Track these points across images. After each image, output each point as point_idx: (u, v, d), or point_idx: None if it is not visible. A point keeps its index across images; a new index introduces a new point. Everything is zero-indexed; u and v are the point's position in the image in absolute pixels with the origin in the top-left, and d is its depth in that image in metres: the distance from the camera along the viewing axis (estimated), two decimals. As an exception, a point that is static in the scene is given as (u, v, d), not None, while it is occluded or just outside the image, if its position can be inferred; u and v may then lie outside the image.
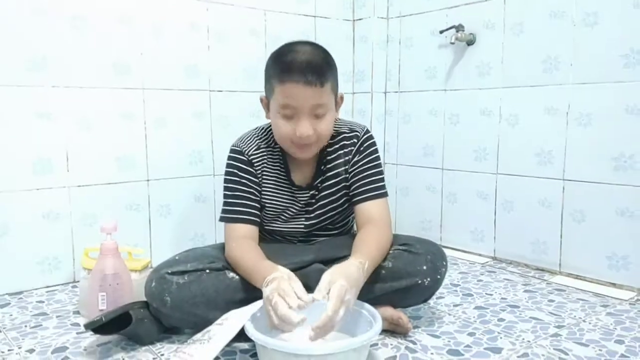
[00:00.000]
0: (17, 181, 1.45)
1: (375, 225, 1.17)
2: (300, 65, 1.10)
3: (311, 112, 1.13)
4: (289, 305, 0.92)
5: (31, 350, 1.11)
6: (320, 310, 0.94)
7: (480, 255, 1.81)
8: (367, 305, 1.07)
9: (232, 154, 1.24)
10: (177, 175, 1.71)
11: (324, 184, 1.25)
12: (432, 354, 1.09)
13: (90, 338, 1.16)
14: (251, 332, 0.95)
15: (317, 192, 1.25)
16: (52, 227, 1.51)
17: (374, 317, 1.02)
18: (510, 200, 1.72)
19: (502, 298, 1.41)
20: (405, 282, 1.15)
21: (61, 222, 1.52)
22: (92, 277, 1.23)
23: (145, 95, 1.63)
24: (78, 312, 1.32)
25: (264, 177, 1.24)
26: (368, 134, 1.26)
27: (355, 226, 1.30)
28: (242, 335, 0.97)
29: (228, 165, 1.24)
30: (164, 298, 1.08)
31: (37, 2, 1.43)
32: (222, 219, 1.22)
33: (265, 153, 1.24)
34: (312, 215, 1.27)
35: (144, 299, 1.14)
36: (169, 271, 1.10)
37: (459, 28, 1.77)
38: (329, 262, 1.15)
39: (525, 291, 1.47)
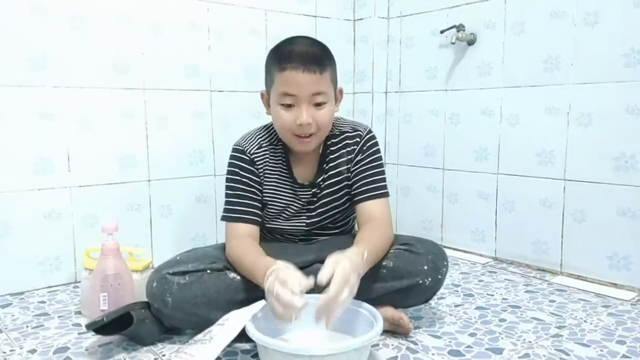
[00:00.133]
0: (19, 181, 1.45)
1: (377, 223, 1.17)
2: (300, 53, 1.13)
3: (311, 101, 1.14)
4: (291, 292, 0.93)
5: (33, 351, 1.11)
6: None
7: (481, 255, 1.81)
8: (368, 305, 1.07)
9: (234, 153, 1.25)
10: (178, 175, 1.71)
11: (326, 182, 1.25)
12: (433, 354, 1.09)
13: (92, 338, 1.16)
14: (252, 332, 0.95)
15: (319, 191, 1.25)
16: (53, 227, 1.51)
17: (375, 317, 1.02)
18: (511, 200, 1.72)
19: (503, 298, 1.41)
20: (406, 281, 1.15)
21: (62, 222, 1.52)
22: (94, 277, 1.23)
23: (146, 95, 1.63)
24: (79, 313, 1.32)
25: (266, 175, 1.24)
26: (371, 134, 1.27)
27: (356, 226, 1.30)
28: (243, 336, 0.97)
29: (230, 165, 1.24)
30: (165, 298, 1.08)
31: (38, 1, 1.43)
32: (223, 218, 1.22)
33: (267, 151, 1.24)
34: (313, 213, 1.27)
35: (145, 299, 1.14)
36: (170, 271, 1.10)
37: (459, 28, 1.77)
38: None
39: (527, 291, 1.47)
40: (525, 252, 1.70)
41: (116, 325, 1.09)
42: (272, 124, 1.26)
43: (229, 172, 1.24)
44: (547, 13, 1.58)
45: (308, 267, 1.20)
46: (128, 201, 1.63)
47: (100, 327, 1.08)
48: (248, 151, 1.23)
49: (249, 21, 1.81)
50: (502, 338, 1.16)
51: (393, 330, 1.17)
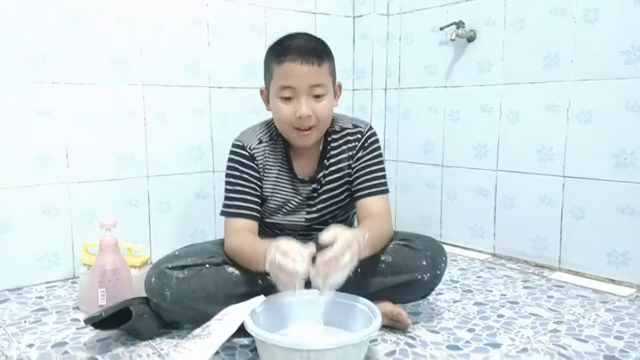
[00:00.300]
0: (17, 177, 1.45)
1: (376, 218, 1.18)
2: (298, 47, 1.14)
3: (310, 93, 1.14)
4: (292, 260, 0.94)
5: (31, 345, 1.11)
6: (318, 306, 0.94)
7: (480, 251, 1.81)
8: (366, 300, 1.07)
9: (233, 149, 1.25)
10: (177, 171, 1.71)
11: (327, 178, 1.25)
12: (431, 349, 1.09)
13: (90, 333, 1.16)
14: (251, 327, 0.95)
15: (319, 186, 1.25)
16: (52, 223, 1.51)
17: (374, 312, 1.02)
18: (510, 197, 1.72)
19: (501, 294, 1.41)
20: (405, 277, 1.15)
21: (61, 218, 1.52)
22: (92, 273, 1.23)
23: (145, 91, 1.63)
24: (78, 308, 1.32)
25: (266, 170, 1.24)
26: (372, 131, 1.27)
27: (356, 222, 1.30)
28: (241, 331, 0.97)
29: (229, 160, 1.24)
30: (164, 293, 1.08)
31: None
32: (222, 213, 1.22)
33: (267, 146, 1.24)
34: (313, 209, 1.27)
35: (144, 295, 1.14)
36: (169, 266, 1.10)
37: (459, 24, 1.76)
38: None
39: (525, 287, 1.47)
40: (524, 249, 1.70)
41: (115, 320, 1.09)
42: (271, 120, 1.26)
43: (228, 168, 1.24)
44: (547, 10, 1.58)
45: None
46: (127, 197, 1.63)
47: (99, 322, 1.08)
48: (248, 147, 1.23)
49: (248, 18, 1.80)
50: (500, 333, 1.16)
51: (391, 325, 1.17)
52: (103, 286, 1.21)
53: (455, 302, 1.36)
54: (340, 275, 0.95)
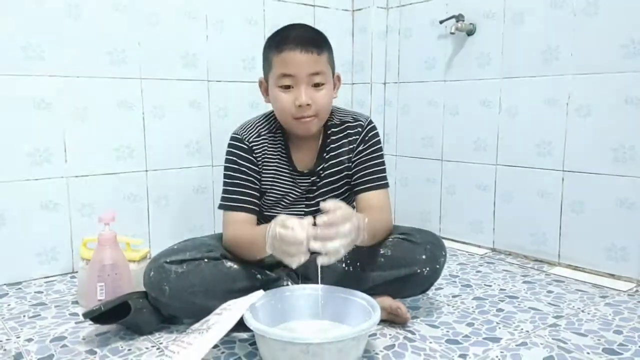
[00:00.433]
0: (15, 171, 1.45)
1: (376, 210, 1.18)
2: (297, 36, 1.14)
3: (309, 82, 1.14)
4: (292, 229, 0.94)
5: (30, 340, 1.10)
6: (317, 301, 0.94)
7: (479, 246, 1.81)
8: (365, 295, 1.07)
9: (232, 142, 1.24)
10: (175, 165, 1.71)
11: (326, 171, 1.25)
12: (430, 343, 1.09)
13: (89, 328, 1.16)
14: (250, 321, 0.95)
15: (318, 179, 1.25)
16: (50, 217, 1.50)
17: (373, 307, 1.02)
18: (509, 191, 1.72)
19: (501, 289, 1.41)
20: (404, 270, 1.15)
21: (59, 212, 1.52)
22: (91, 267, 1.23)
23: (143, 85, 1.62)
24: (77, 303, 1.32)
25: (265, 163, 1.23)
26: (372, 124, 1.27)
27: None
28: (241, 325, 0.96)
29: (228, 153, 1.24)
30: (163, 287, 1.08)
31: (34, -10, 1.42)
32: (220, 207, 1.22)
33: (266, 139, 1.24)
34: (312, 202, 1.26)
35: (143, 289, 1.14)
36: (168, 260, 1.10)
37: (459, 18, 1.75)
38: (328, 252, 1.16)
39: (524, 282, 1.47)
40: (523, 243, 1.70)
41: (114, 314, 1.09)
42: (271, 113, 1.26)
43: (227, 161, 1.24)
44: (547, 3, 1.57)
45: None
46: (125, 191, 1.62)
47: (98, 316, 1.08)
48: (246, 139, 1.22)
49: (247, 10, 1.79)
50: (499, 328, 1.16)
51: (391, 320, 1.17)
52: (102, 281, 1.21)
53: (454, 296, 1.36)
54: (339, 245, 0.94)
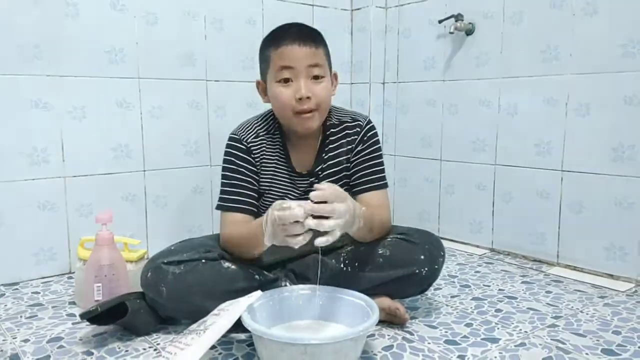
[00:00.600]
0: (13, 171, 1.44)
1: (376, 208, 1.17)
2: (294, 31, 1.16)
3: (309, 74, 1.15)
4: (289, 208, 0.95)
5: (26, 340, 1.10)
6: (315, 301, 0.93)
7: (478, 246, 1.81)
8: (364, 295, 1.07)
9: (230, 142, 1.23)
10: (173, 165, 1.70)
11: (325, 172, 1.24)
12: (429, 343, 1.08)
13: (86, 328, 1.15)
14: (248, 322, 0.95)
15: (317, 180, 1.25)
16: (47, 217, 1.50)
17: (371, 307, 1.02)
18: (508, 191, 1.72)
19: (499, 289, 1.41)
20: (402, 271, 1.14)
21: (57, 212, 1.51)
22: (88, 267, 1.22)
23: (141, 85, 1.61)
24: (74, 303, 1.31)
25: (263, 163, 1.23)
26: (371, 124, 1.26)
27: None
28: (239, 326, 0.96)
29: (226, 154, 1.23)
30: (160, 288, 1.07)
31: (31, -11, 1.42)
32: (218, 207, 1.21)
33: (264, 139, 1.23)
34: (311, 202, 1.26)
35: (140, 290, 1.13)
36: (165, 261, 1.09)
37: (458, 17, 1.75)
38: (327, 252, 1.15)
39: (523, 282, 1.46)
40: (522, 243, 1.69)
41: (111, 315, 1.09)
42: (269, 113, 1.25)
43: (225, 161, 1.23)
44: (546, 3, 1.57)
45: (305, 256, 1.20)
46: (123, 192, 1.62)
47: (95, 317, 1.08)
48: (245, 140, 1.22)
49: (246, 10, 1.79)
50: (498, 328, 1.16)
51: (389, 320, 1.16)
52: (99, 281, 1.20)
53: (453, 297, 1.36)
54: (334, 223, 0.95)
